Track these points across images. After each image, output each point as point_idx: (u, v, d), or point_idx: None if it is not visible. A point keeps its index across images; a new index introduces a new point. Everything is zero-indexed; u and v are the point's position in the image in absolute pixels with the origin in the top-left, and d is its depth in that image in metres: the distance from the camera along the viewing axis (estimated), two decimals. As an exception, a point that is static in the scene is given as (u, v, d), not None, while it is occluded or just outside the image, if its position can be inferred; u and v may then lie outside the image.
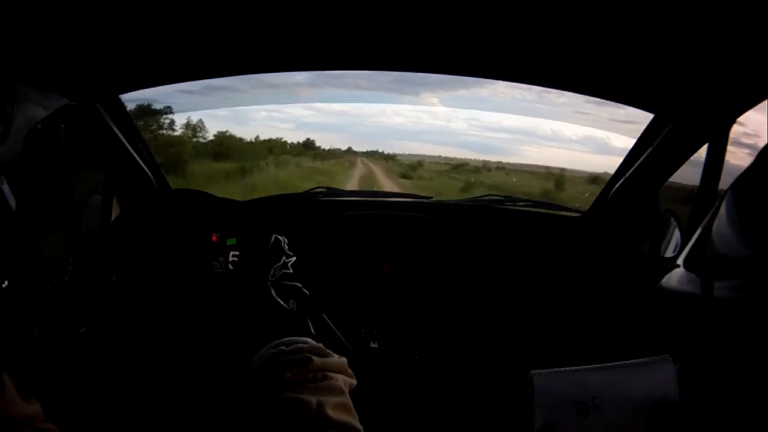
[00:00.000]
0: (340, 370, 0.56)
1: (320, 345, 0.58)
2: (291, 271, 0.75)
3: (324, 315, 1.22)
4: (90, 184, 1.33)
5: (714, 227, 0.51)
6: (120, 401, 1.18)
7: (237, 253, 1.15)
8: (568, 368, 0.58)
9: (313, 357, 0.55)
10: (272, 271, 0.74)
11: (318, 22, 0.87)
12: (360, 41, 0.98)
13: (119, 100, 1.18)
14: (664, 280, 0.63)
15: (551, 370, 0.58)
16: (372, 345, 1.33)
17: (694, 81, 0.96)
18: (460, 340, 1.39)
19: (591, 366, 0.58)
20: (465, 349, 1.39)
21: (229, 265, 1.15)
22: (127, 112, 1.21)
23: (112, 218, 1.29)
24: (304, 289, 0.74)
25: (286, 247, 0.80)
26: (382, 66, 1.15)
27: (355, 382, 0.58)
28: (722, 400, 0.52)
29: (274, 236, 0.80)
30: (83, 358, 1.09)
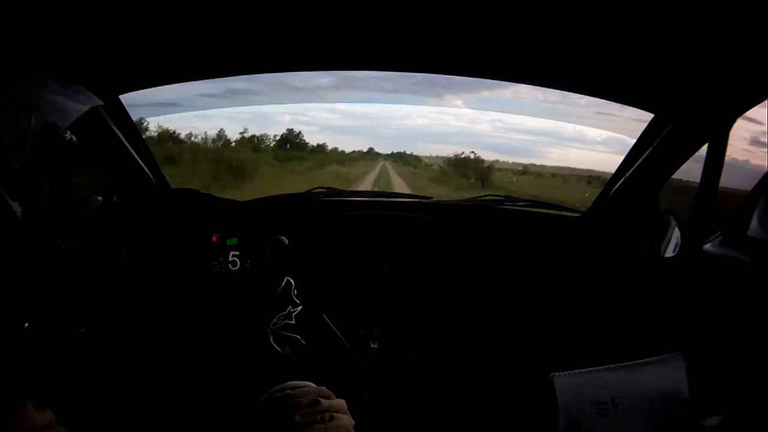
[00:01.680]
0: (342, 411, 0.59)
1: (324, 388, 0.61)
2: (293, 322, 0.76)
3: (324, 315, 1.22)
4: (90, 184, 1.33)
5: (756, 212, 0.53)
6: (119, 401, 1.18)
7: (237, 253, 1.15)
8: (585, 369, 0.60)
9: (321, 399, 0.58)
10: (275, 320, 0.75)
11: (324, 22, 0.87)
12: (374, 41, 0.99)
13: (119, 100, 1.18)
14: (707, 246, 0.65)
15: (570, 371, 0.60)
16: (372, 345, 1.33)
17: (694, 81, 0.96)
18: (460, 341, 1.39)
19: (606, 366, 0.60)
20: (465, 349, 1.39)
21: (229, 265, 1.15)
22: (127, 112, 1.21)
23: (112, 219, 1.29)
24: (302, 340, 0.76)
25: (295, 293, 0.80)
26: (392, 66, 1.15)
27: (353, 421, 0.60)
28: (732, 393, 0.53)
29: (285, 279, 0.81)
30: (83, 358, 1.09)
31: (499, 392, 1.36)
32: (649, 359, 0.60)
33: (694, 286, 1.09)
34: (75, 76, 0.95)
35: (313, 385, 0.61)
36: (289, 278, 0.81)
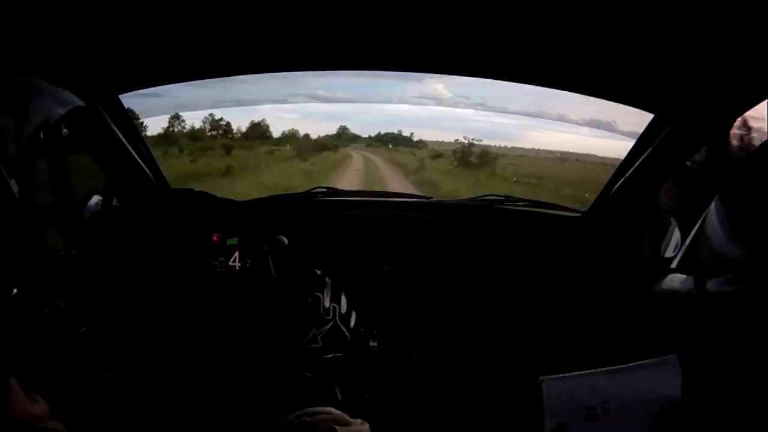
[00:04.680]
0: None
1: (344, 415, 0.60)
2: (320, 344, 0.73)
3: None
4: (90, 184, 1.33)
5: (705, 229, 0.52)
6: (120, 401, 1.18)
7: (237, 253, 1.15)
8: (575, 373, 0.58)
9: (337, 427, 0.57)
10: (301, 342, 0.72)
11: (322, 23, 0.87)
12: (361, 41, 0.99)
13: (119, 100, 1.18)
14: (657, 286, 0.64)
15: (559, 375, 0.58)
16: (372, 344, 1.34)
17: (694, 81, 0.96)
18: (460, 340, 1.39)
19: (598, 370, 0.58)
20: (465, 348, 1.39)
21: (230, 265, 1.15)
22: (127, 112, 1.22)
23: (112, 218, 1.29)
24: (325, 361, 0.73)
25: (328, 305, 0.76)
26: (383, 66, 1.15)
27: None
28: (725, 399, 0.52)
29: (314, 295, 0.76)
30: (83, 358, 1.09)
31: (499, 392, 1.36)
32: (643, 362, 0.59)
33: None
34: (75, 76, 0.95)
35: (334, 411, 0.60)
36: (318, 293, 0.77)
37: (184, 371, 1.26)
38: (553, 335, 1.37)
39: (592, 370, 0.58)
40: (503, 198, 1.54)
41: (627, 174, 1.29)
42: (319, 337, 0.73)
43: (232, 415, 1.18)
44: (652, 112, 1.17)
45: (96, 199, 1.30)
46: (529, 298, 1.38)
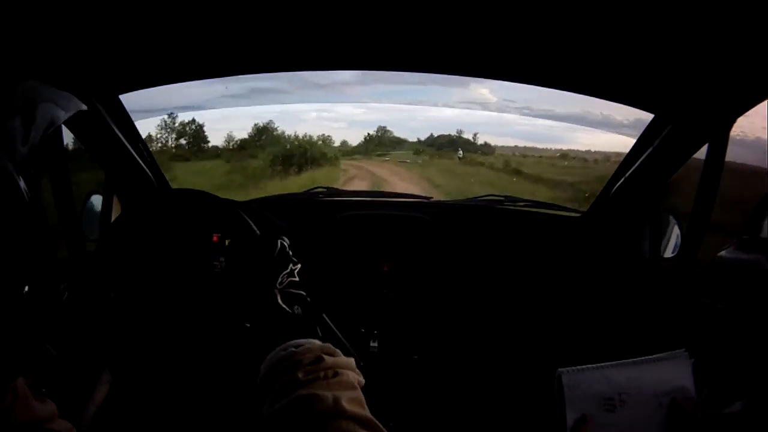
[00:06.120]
0: (349, 368, 0.58)
1: (329, 345, 0.60)
2: (297, 278, 0.76)
3: (324, 315, 1.21)
4: (90, 184, 1.33)
5: None
6: (121, 401, 1.18)
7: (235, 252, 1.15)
8: (592, 365, 0.60)
9: (324, 356, 0.56)
10: (280, 279, 0.75)
11: (324, 21, 0.87)
12: (364, 41, 0.99)
13: (119, 100, 1.18)
14: (722, 253, 0.65)
15: (577, 367, 0.60)
16: (372, 344, 1.33)
17: (694, 81, 0.96)
18: (460, 340, 1.39)
19: (613, 362, 0.60)
20: (465, 348, 1.39)
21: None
22: (127, 112, 1.21)
23: (113, 218, 1.29)
24: (308, 297, 0.75)
25: (291, 253, 0.81)
26: (387, 66, 1.15)
27: (363, 380, 0.59)
28: (738, 391, 0.53)
29: (279, 241, 0.81)
30: (84, 358, 1.09)
31: (498, 392, 1.36)
32: (655, 356, 0.60)
33: (698, 288, 1.09)
34: (75, 76, 0.95)
35: (318, 342, 0.60)
36: (282, 238, 0.81)
37: (183, 370, 1.26)
38: (552, 334, 1.37)
39: (608, 363, 0.60)
40: (503, 198, 1.54)
41: (627, 174, 1.29)
42: (296, 272, 0.77)
43: (228, 407, 1.18)
44: (652, 112, 1.17)
45: (96, 199, 1.30)
46: (528, 298, 1.38)
